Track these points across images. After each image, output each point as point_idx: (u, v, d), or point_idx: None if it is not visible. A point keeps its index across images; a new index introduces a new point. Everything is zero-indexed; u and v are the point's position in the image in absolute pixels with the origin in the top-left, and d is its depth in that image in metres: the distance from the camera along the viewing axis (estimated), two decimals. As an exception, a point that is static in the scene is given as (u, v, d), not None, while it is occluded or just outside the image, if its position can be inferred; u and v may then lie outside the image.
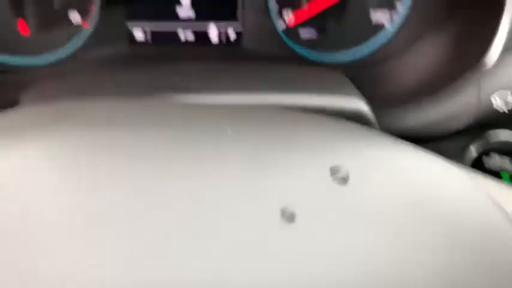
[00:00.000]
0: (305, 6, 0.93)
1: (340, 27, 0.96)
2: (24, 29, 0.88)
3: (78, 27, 0.90)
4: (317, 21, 0.95)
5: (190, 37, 0.95)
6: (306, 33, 0.96)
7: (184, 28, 0.93)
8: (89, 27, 0.90)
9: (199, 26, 0.94)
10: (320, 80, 0.71)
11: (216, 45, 0.95)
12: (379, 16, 0.96)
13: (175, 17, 0.92)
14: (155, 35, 0.93)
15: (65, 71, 0.89)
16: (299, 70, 0.78)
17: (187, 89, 0.66)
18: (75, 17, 0.89)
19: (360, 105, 0.68)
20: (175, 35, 0.94)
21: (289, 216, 0.34)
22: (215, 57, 0.95)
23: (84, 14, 0.89)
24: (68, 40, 0.90)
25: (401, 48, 0.94)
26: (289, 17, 0.94)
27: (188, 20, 0.93)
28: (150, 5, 0.91)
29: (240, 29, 0.94)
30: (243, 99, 0.66)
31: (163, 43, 0.94)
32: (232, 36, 0.95)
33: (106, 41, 0.91)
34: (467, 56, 0.80)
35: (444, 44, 0.87)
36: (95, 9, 0.89)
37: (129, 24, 0.91)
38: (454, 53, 0.85)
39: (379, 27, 0.97)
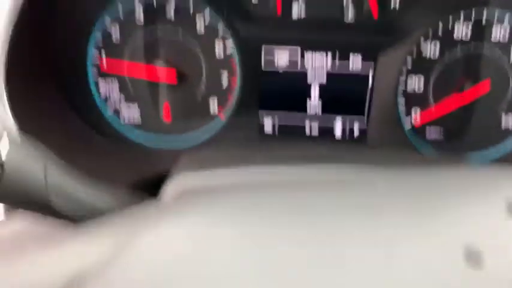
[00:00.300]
0: (433, 107, 0.93)
1: (468, 130, 0.95)
2: (167, 115, 0.96)
3: (214, 116, 0.96)
4: (444, 123, 0.95)
5: (315, 131, 0.98)
6: (433, 133, 0.96)
7: (311, 120, 0.97)
8: (224, 116, 0.96)
9: (325, 119, 0.97)
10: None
11: (339, 141, 0.97)
12: (509, 120, 0.94)
13: (303, 109, 0.96)
14: (283, 126, 0.97)
15: (198, 157, 0.94)
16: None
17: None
18: (213, 106, 0.96)
19: None
20: (301, 128, 0.97)
21: (474, 257, 0.32)
22: (339, 152, 0.96)
23: (221, 104, 0.96)
24: (203, 128, 0.97)
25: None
26: (416, 116, 0.95)
27: (315, 113, 0.96)
28: (283, 96, 0.95)
29: (365, 125, 0.96)
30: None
31: (290, 135, 0.97)
32: (357, 132, 0.97)
33: (238, 130, 0.96)
34: None
35: None
36: (232, 100, 0.95)
37: (261, 114, 0.96)
38: None
39: (509, 132, 0.94)
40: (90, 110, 0.95)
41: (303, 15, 0.93)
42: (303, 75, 0.94)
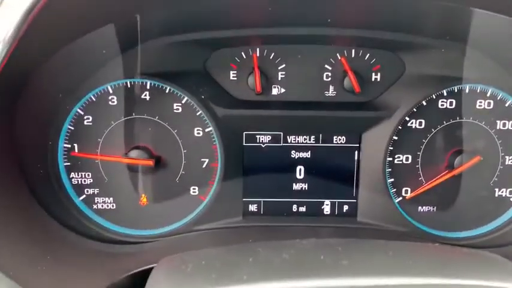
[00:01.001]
0: (423, 181, 0.90)
1: (460, 203, 0.92)
2: (143, 200, 0.91)
3: (196, 201, 0.92)
4: (435, 196, 0.92)
5: (303, 209, 0.94)
6: (424, 207, 0.93)
7: (298, 205, 0.93)
8: (206, 200, 0.91)
9: (313, 204, 0.93)
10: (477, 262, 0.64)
11: (328, 216, 0.94)
12: (503, 192, 0.91)
13: (289, 194, 0.92)
14: (268, 208, 0.93)
15: (182, 241, 0.89)
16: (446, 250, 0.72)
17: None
18: (194, 191, 0.91)
19: None
20: (288, 207, 0.93)
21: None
22: (328, 229, 0.93)
23: (203, 188, 0.91)
24: (185, 212, 0.92)
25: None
26: (406, 190, 0.92)
27: (303, 195, 0.92)
28: (267, 182, 0.92)
29: (355, 204, 0.93)
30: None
31: (276, 214, 0.93)
32: (346, 208, 0.93)
33: (221, 213, 0.91)
34: None
35: None
36: (213, 184, 0.91)
37: (245, 200, 0.92)
38: None
39: (504, 204, 0.92)
40: (60, 203, 0.89)
41: (282, 97, 0.90)
42: (287, 156, 0.91)
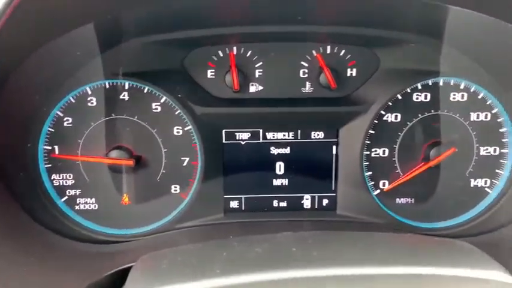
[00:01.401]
0: (400, 174, 0.92)
1: (437, 194, 0.93)
2: (125, 200, 0.92)
3: (177, 199, 0.93)
4: (412, 188, 0.93)
5: (283, 204, 0.95)
6: (402, 199, 0.94)
7: (279, 200, 0.94)
8: (187, 198, 0.92)
9: (293, 198, 0.94)
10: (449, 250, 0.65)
11: (308, 210, 0.95)
12: (479, 182, 0.93)
13: (270, 190, 0.94)
14: (250, 204, 0.94)
15: (163, 239, 0.90)
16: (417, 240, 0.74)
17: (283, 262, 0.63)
18: (175, 190, 0.92)
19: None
20: (269, 203, 0.95)
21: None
22: (308, 223, 0.94)
23: (184, 187, 0.92)
24: (167, 211, 0.93)
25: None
26: (384, 184, 0.93)
27: (283, 190, 0.94)
28: (247, 179, 0.93)
29: (334, 198, 0.94)
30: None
31: (257, 210, 0.95)
32: (326, 202, 0.95)
33: (202, 211, 0.92)
34: None
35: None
36: (194, 182, 0.92)
37: (226, 197, 0.93)
38: None
39: (479, 194, 0.94)
40: (42, 205, 0.89)
41: (260, 94, 0.91)
42: (266, 153, 0.92)
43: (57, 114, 0.88)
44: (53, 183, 0.90)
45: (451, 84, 0.90)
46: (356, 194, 0.93)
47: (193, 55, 0.89)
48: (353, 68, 0.90)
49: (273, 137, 0.91)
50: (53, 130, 0.88)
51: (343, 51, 0.90)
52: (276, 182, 0.93)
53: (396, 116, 0.90)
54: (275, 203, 0.95)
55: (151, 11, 0.78)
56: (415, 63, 0.89)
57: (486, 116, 0.91)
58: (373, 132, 0.91)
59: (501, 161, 0.92)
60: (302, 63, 0.90)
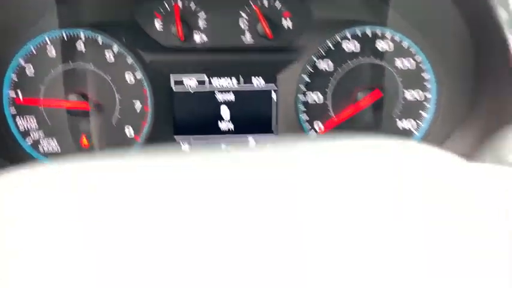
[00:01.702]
0: (333, 116, 1.01)
1: (369, 135, 1.02)
2: (84, 142, 1.01)
3: (131, 141, 1.02)
4: (346, 129, 1.02)
5: (230, 145, 1.04)
6: (337, 141, 1.03)
7: (225, 141, 1.04)
8: (140, 140, 1.02)
9: (238, 139, 1.04)
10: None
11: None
12: (405, 124, 1.02)
13: (217, 131, 1.03)
14: (198, 145, 1.03)
15: None
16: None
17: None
18: (129, 132, 1.01)
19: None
20: (216, 144, 1.04)
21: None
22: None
23: (137, 130, 1.01)
24: (122, 152, 1.02)
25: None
26: (319, 126, 1.02)
27: (229, 133, 1.03)
28: (195, 121, 1.02)
29: (275, 140, 1.03)
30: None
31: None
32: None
33: (154, 151, 1.01)
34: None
35: (471, 140, 0.91)
36: (146, 125, 1.01)
37: (177, 137, 1.02)
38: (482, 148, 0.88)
39: (407, 134, 1.03)
40: (9, 146, 0.99)
41: (204, 43, 1.00)
42: (212, 98, 1.01)
43: (20, 62, 0.97)
44: (18, 128, 1.00)
45: (378, 33, 0.98)
46: (294, 137, 1.02)
47: (142, 7, 0.98)
48: (288, 19, 0.99)
49: (218, 83, 1.00)
50: (16, 79, 0.97)
51: (278, 3, 0.98)
52: (222, 126, 1.03)
53: (328, 63, 0.99)
54: (222, 145, 1.04)
55: None
56: (343, 13, 0.98)
57: (411, 64, 1.00)
58: (308, 79, 0.99)
59: (425, 103, 1.01)
60: (242, 14, 0.99)
